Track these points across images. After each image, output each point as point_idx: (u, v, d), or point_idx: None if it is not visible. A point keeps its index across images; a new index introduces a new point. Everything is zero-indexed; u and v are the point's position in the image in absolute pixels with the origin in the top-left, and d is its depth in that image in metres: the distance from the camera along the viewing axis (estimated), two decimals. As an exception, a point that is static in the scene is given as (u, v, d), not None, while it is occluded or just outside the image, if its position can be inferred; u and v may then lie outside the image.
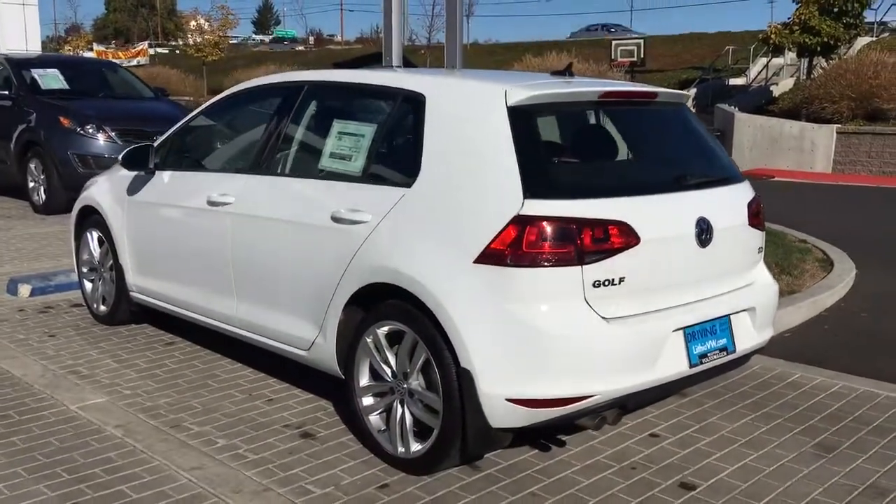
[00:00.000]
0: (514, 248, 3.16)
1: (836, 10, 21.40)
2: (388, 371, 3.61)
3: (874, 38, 24.91)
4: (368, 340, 3.65)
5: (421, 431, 3.50)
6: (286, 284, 4.06)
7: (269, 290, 4.17)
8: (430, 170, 3.49)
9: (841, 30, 21.51)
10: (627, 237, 3.25)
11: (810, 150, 18.15)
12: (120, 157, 5.03)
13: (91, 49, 43.18)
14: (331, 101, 4.31)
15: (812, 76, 22.06)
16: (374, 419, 3.70)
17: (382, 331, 3.59)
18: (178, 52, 58.54)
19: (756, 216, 3.90)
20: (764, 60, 26.35)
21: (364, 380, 3.73)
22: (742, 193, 3.88)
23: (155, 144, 5.00)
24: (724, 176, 3.85)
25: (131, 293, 5.32)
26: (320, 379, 4.34)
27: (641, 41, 28.25)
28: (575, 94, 3.58)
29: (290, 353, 4.14)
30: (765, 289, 3.91)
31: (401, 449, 3.56)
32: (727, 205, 3.74)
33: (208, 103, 4.89)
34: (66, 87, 10.74)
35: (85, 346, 5.24)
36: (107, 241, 5.45)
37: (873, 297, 7.10)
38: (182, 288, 4.81)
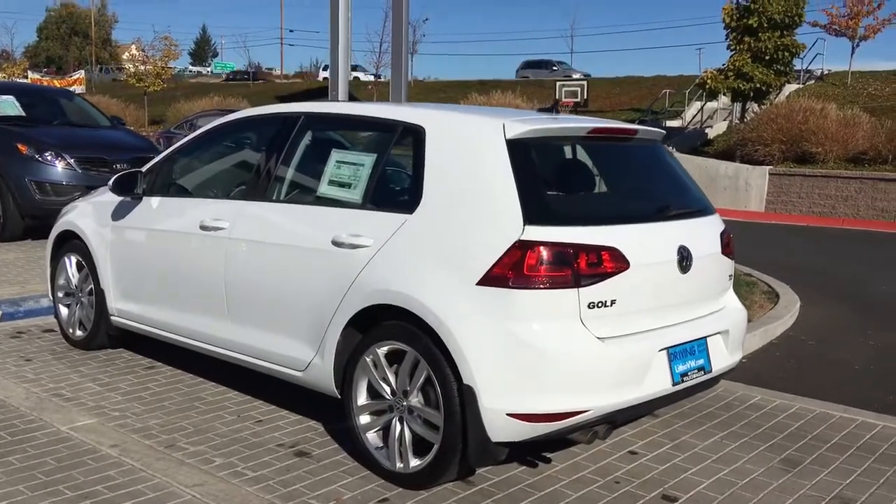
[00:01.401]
0: (515, 271, 3.37)
1: (767, 57, 22.48)
2: (388, 389, 3.76)
3: (801, 85, 26.15)
4: (368, 360, 3.81)
5: (420, 447, 3.66)
6: (283, 307, 4.19)
7: (265, 312, 4.30)
8: (432, 198, 3.70)
9: (772, 76, 22.60)
10: (618, 262, 3.50)
11: (745, 189, 18.93)
12: (109, 182, 5.11)
13: (26, 77, 42.33)
14: (329, 132, 4.49)
15: (745, 120, 23.05)
16: (372, 436, 3.85)
17: (382, 350, 3.76)
18: (114, 80, 57.76)
19: (727, 246, 4.20)
20: (699, 104, 27.39)
21: (362, 398, 3.88)
22: (715, 224, 4.18)
23: (143, 170, 5.10)
24: (699, 208, 4.15)
25: (112, 317, 5.36)
26: (307, 400, 4.47)
27: (584, 83, 29.12)
28: (566, 129, 3.85)
29: (284, 375, 4.27)
30: (736, 313, 4.20)
31: (399, 465, 3.71)
32: (703, 234, 4.03)
33: (199, 132, 5.02)
34: (22, 113, 10.64)
35: (64, 369, 5.25)
36: (87, 265, 5.49)
37: (817, 326, 7.53)
38: (169, 312, 4.89)
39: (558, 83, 30.21)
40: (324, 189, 4.16)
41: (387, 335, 3.74)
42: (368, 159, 4.04)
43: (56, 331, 5.96)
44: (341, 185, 4.09)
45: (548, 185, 3.71)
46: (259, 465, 3.91)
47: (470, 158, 3.68)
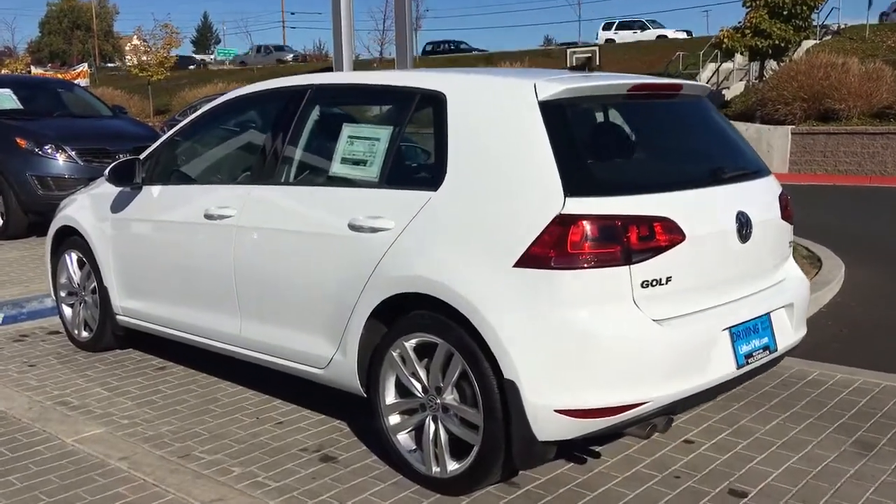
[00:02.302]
0: (557, 249, 2.99)
1: (785, 12, 21.81)
2: (419, 386, 3.40)
3: (818, 41, 25.45)
4: (395, 354, 3.44)
5: (458, 449, 3.30)
6: (298, 299, 3.83)
7: (279, 306, 3.94)
8: (457, 172, 3.31)
9: (791, 32, 21.94)
10: (673, 234, 3.11)
11: (767, 151, 18.38)
12: (106, 171, 4.74)
13: (29, 72, 42.07)
14: (338, 105, 4.11)
15: (763, 79, 22.43)
16: (403, 438, 3.49)
17: (410, 344, 3.39)
18: (114, 72, 57.34)
19: (786, 209, 3.79)
20: (713, 65, 26.73)
21: (390, 397, 3.52)
22: (772, 187, 3.78)
23: (141, 158, 4.73)
24: (755, 168, 3.74)
25: (118, 317, 5.02)
26: (329, 398, 4.11)
27: (596, 49, 28.45)
28: (604, 87, 3.44)
29: (302, 373, 3.91)
30: (799, 284, 3.80)
31: (435, 469, 3.35)
32: (762, 198, 3.63)
33: (198, 113, 4.64)
34: (20, 107, 10.31)
35: (70, 374, 4.92)
36: (88, 262, 5.15)
37: (865, 291, 7.11)
38: (177, 308, 4.54)
39: (569, 50, 29.56)
40: (336, 168, 3.78)
41: (415, 327, 3.37)
42: (384, 133, 3.65)
43: (61, 332, 5.63)
44: (355, 162, 3.71)
45: (588, 151, 3.31)
46: (282, 474, 3.57)
47: (498, 125, 3.28)
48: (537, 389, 3.01)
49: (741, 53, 23.66)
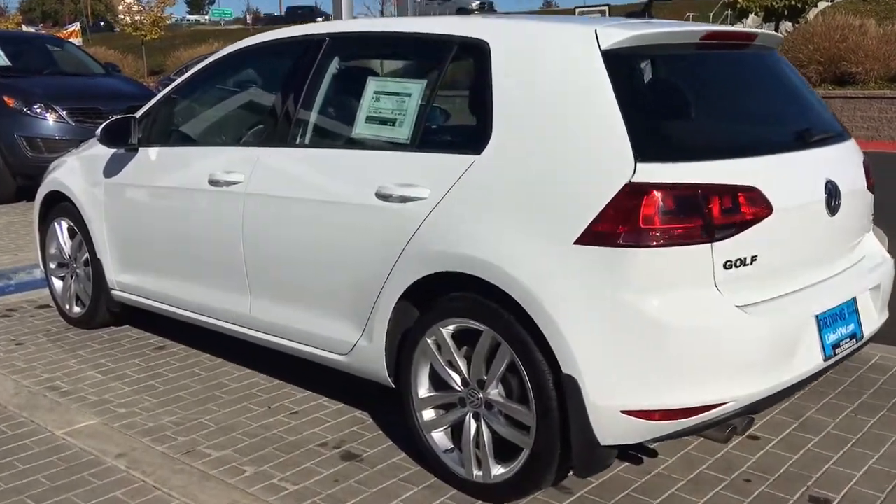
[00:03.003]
0: (627, 223, 2.55)
1: (800, -29, 21.19)
2: (457, 379, 2.98)
3: (831, 3, 24.80)
4: (430, 342, 3.02)
5: (503, 450, 2.89)
6: (316, 277, 3.39)
7: (294, 284, 3.50)
8: (505, 132, 2.85)
9: (807, -9, 21.33)
10: (759, 206, 2.66)
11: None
12: (97, 131, 4.26)
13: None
14: (362, 56, 3.64)
15: (775, 41, 21.78)
16: (439, 436, 3.08)
17: (448, 330, 2.96)
18: (107, 32, 56.27)
19: (869, 178, 3.35)
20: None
21: (423, 389, 3.10)
22: (856, 151, 3.33)
23: (137, 116, 4.25)
24: (838, 131, 3.29)
25: (113, 291, 4.58)
26: (347, 384, 3.69)
27: (606, 8, 27.71)
28: (674, 35, 2.97)
29: (321, 359, 3.48)
30: (884, 262, 3.37)
31: (477, 472, 2.94)
32: (848, 165, 3.18)
33: (200, 66, 4.15)
34: (8, 63, 9.78)
35: (61, 354, 4.49)
36: (80, 231, 4.69)
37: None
38: (178, 284, 4.10)
39: (577, 10, 28.81)
40: (361, 129, 3.31)
41: (454, 311, 2.94)
42: (416, 87, 3.19)
43: (52, 307, 5.19)
44: (383, 121, 3.24)
45: (659, 109, 2.85)
46: (300, 475, 3.16)
47: (554, 79, 2.82)
48: (601, 387, 2.59)
49: (756, 14, 23.03)
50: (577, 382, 2.60)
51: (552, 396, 2.68)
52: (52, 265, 5.01)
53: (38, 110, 8.92)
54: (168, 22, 43.02)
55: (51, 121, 8.91)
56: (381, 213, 3.11)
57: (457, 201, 2.90)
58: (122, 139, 4.23)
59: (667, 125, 2.80)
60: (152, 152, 4.21)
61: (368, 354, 3.25)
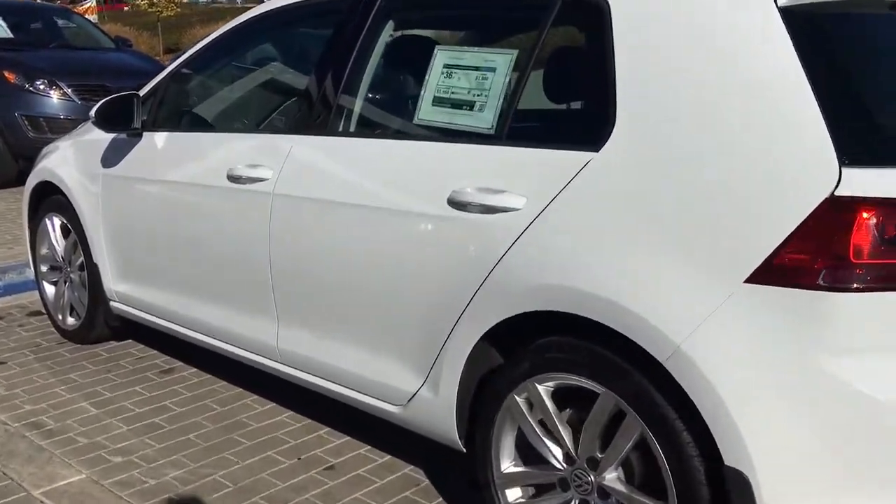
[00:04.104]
0: (828, 256, 1.77)
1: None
2: (558, 453, 2.22)
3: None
4: (519, 400, 2.26)
5: (621, 554, 2.13)
6: (364, 305, 2.63)
7: (334, 312, 2.75)
8: (634, 121, 2.08)
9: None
10: None
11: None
12: (92, 112, 3.50)
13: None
14: (427, 18, 2.87)
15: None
16: (529, 525, 2.32)
17: (547, 387, 2.21)
18: (126, 7, 55.61)
19: None
20: None
21: (508, 461, 2.35)
22: None
23: (141, 94, 3.49)
24: None
25: (111, 303, 3.84)
26: (399, 430, 2.93)
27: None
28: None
29: (368, 407, 2.73)
30: None
31: (584, 579, 2.18)
32: None
33: (216, 35, 3.37)
34: (10, 35, 9.05)
35: (49, 378, 3.76)
36: (74, 230, 3.96)
37: None
38: (188, 301, 3.36)
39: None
40: (426, 113, 2.54)
41: (557, 363, 2.17)
42: (503, 60, 2.40)
43: (44, 314, 4.46)
44: (456, 104, 2.47)
45: (864, 93, 2.05)
46: (342, 566, 2.41)
47: (706, 49, 2.03)
48: (785, 490, 1.82)
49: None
50: (748, 481, 1.83)
51: (704, 495, 1.92)
52: (44, 268, 4.28)
53: (42, 87, 8.19)
54: (185, -1, 42.33)
55: (55, 98, 8.19)
56: (457, 227, 2.34)
57: (565, 214, 2.13)
58: (123, 122, 3.47)
59: (879, 115, 2.01)
60: (159, 138, 3.45)
61: (432, 408, 2.49)
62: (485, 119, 2.39)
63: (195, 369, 3.84)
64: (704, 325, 1.87)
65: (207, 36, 3.47)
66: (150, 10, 37.76)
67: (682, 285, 1.91)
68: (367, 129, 2.81)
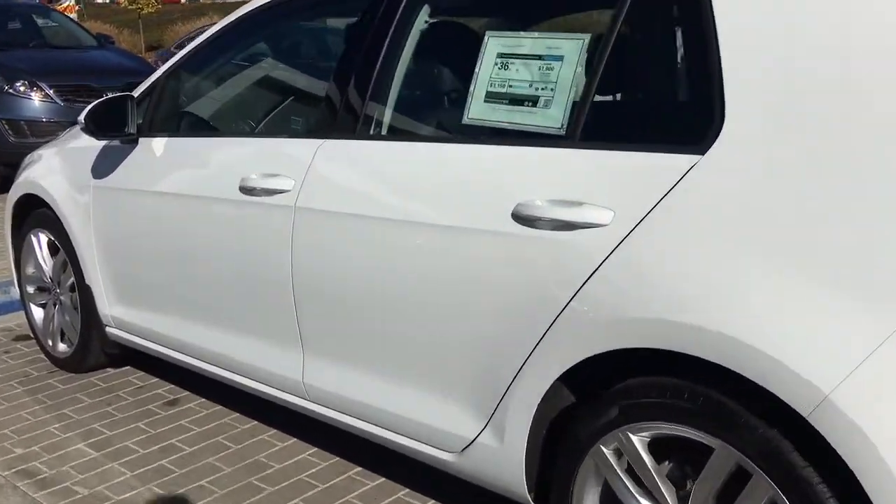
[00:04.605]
0: None
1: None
2: (656, 515, 1.86)
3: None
4: (607, 452, 1.89)
5: None
6: (413, 335, 2.26)
7: (374, 342, 2.37)
8: (750, 117, 1.71)
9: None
10: None
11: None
12: (80, 117, 3.10)
13: (12, 6, 39.67)
14: (469, 1, 2.48)
15: None
16: None
17: (642, 437, 1.84)
18: (103, 7, 54.90)
19: None
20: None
21: (592, 523, 1.98)
22: None
23: (135, 95, 3.10)
24: None
25: (107, 329, 3.45)
26: (437, 471, 2.55)
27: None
28: None
29: (416, 453, 2.36)
30: None
31: None
32: None
33: (222, 25, 2.97)
34: (-13, 35, 8.61)
35: (41, 414, 3.37)
36: (63, 248, 3.56)
37: None
38: (195, 328, 2.97)
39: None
40: (478, 111, 2.16)
41: (656, 409, 1.81)
42: (572, 46, 2.03)
43: (33, 339, 4.06)
44: (515, 100, 2.10)
45: None
46: None
47: (844, 22, 1.66)
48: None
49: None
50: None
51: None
52: (30, 289, 3.88)
53: (22, 88, 7.78)
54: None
55: (36, 100, 7.78)
56: (525, 247, 1.97)
57: (666, 231, 1.76)
58: (116, 127, 3.07)
59: None
60: (157, 145, 3.06)
61: (495, 457, 2.12)
62: (552, 117, 2.02)
63: (202, 399, 3.46)
64: (860, 369, 1.50)
65: (190, 32, 3.07)
66: (131, 6, 37.11)
67: (828, 320, 1.55)
68: (406, 130, 2.44)
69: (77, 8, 42.69)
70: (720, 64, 1.75)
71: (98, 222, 3.29)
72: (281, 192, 2.51)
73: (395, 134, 2.41)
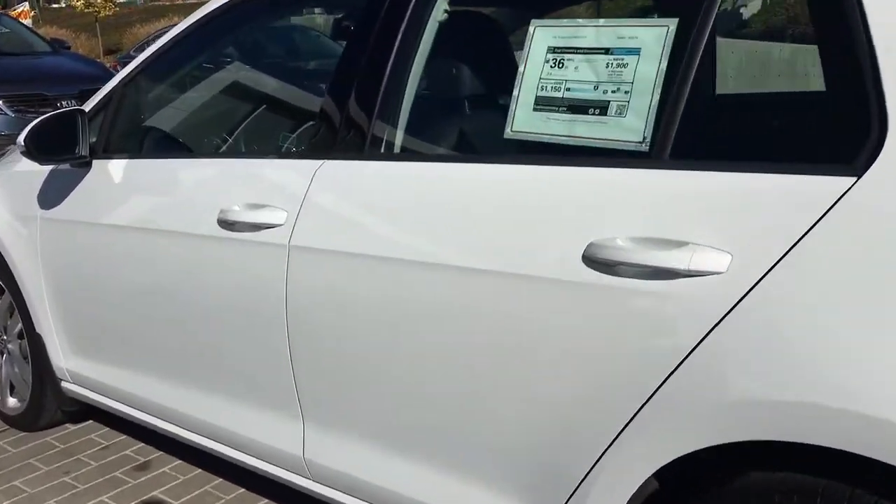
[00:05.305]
0: None
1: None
2: None
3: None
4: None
5: None
6: (442, 411, 1.78)
7: (394, 413, 1.89)
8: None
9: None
10: None
11: (804, 74, 16.38)
12: (20, 139, 2.56)
13: (-36, 12, 38.54)
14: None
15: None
16: None
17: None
18: (59, 11, 53.83)
19: None
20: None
21: None
22: None
23: (87, 110, 2.58)
24: None
25: (63, 384, 2.94)
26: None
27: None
28: None
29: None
30: None
31: None
32: None
33: (191, 21, 2.46)
34: (-72, 42, 8.00)
35: (-14, 489, 2.85)
36: (7, 290, 3.04)
37: None
38: (169, 388, 2.47)
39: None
40: (525, 121, 1.70)
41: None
42: (653, 35, 1.57)
43: (-22, 390, 3.52)
44: (576, 107, 1.63)
45: None
46: None
47: None
48: None
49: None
50: None
51: None
52: (-27, 336, 3.34)
53: (-32, 99, 7.20)
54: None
55: (-16, 112, 7.20)
56: (603, 300, 1.50)
57: (807, 281, 1.30)
58: (64, 148, 2.55)
59: None
60: (115, 168, 2.55)
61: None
62: (630, 128, 1.55)
63: (178, 461, 2.95)
64: None
65: (150, 34, 2.57)
66: (86, 10, 36.16)
67: None
68: (427, 148, 1.96)
69: (33, 13, 41.66)
70: (875, 66, 1.30)
71: (47, 260, 2.77)
72: (270, 226, 2.01)
73: (414, 153, 1.94)
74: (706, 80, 1.53)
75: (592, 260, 1.50)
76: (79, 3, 37.05)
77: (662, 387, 1.43)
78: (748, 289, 1.35)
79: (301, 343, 2.01)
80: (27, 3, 45.14)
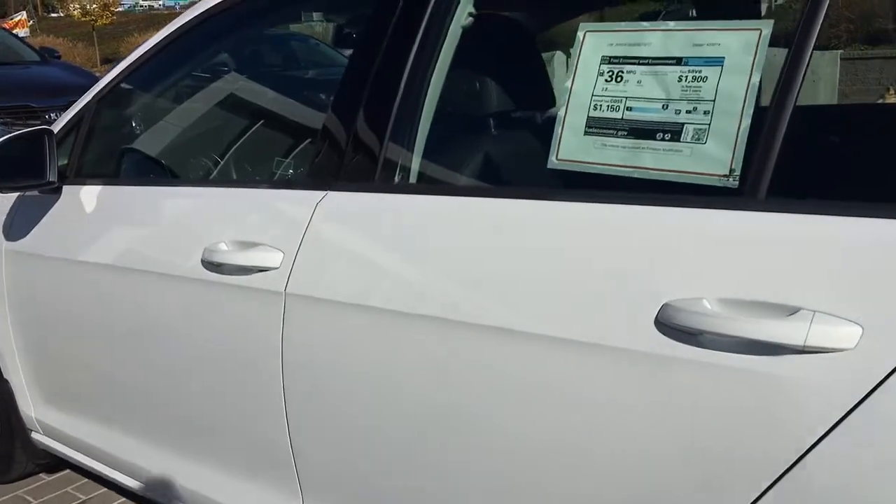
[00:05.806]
0: None
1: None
2: None
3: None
4: None
5: None
6: (486, 487, 1.46)
7: (424, 495, 1.57)
8: None
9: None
10: None
11: (812, 80, 16.10)
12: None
13: (-41, 22, 38.31)
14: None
15: (791, -1, 20.06)
16: None
17: None
18: (56, 21, 53.75)
19: None
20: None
21: None
22: None
23: (55, 130, 2.26)
24: None
25: (33, 435, 2.61)
26: None
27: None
28: None
29: None
30: None
31: None
32: None
33: (172, 29, 2.14)
34: (-88, 52, 7.71)
35: (-54, 556, 2.53)
36: (-28, 329, 2.71)
37: None
38: (153, 449, 2.15)
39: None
40: (573, 148, 1.38)
41: None
42: (741, 41, 1.26)
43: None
44: (639, 131, 1.31)
45: None
46: None
47: None
48: None
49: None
50: None
51: None
52: (-63, 377, 3.01)
53: (-49, 111, 6.90)
54: (119, 8, 40.70)
55: (-33, 125, 6.89)
56: (685, 374, 1.18)
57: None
58: (31, 173, 2.23)
59: None
60: (87, 196, 2.22)
61: None
62: (712, 158, 1.24)
63: (164, 519, 2.63)
64: None
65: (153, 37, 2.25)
66: (84, 19, 35.99)
67: None
68: (450, 177, 1.64)
69: (30, 23, 41.51)
70: None
71: (14, 299, 2.45)
72: (264, 269, 1.69)
73: (436, 183, 1.62)
74: (805, 95, 1.22)
75: (670, 325, 1.18)
76: (76, 12, 36.98)
77: (782, 479, 1.11)
78: (887, 372, 1.03)
79: (300, 410, 1.69)
80: (24, 13, 45.10)
